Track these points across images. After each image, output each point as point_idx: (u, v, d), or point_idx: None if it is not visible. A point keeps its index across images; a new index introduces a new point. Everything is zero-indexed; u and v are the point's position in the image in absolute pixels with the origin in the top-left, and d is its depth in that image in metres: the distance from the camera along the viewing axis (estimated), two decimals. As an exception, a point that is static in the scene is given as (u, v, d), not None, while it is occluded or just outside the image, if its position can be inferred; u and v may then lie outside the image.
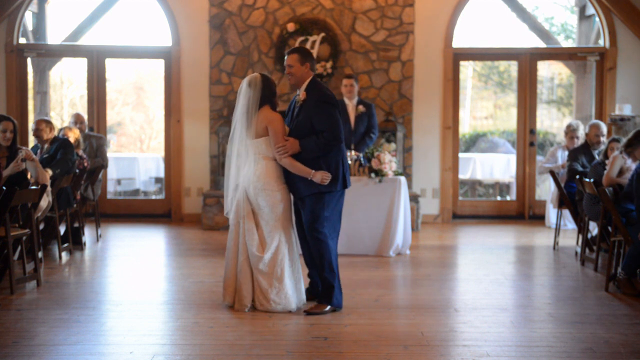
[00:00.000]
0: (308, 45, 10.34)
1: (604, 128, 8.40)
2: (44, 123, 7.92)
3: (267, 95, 5.43)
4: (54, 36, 11.95)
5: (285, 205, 5.47)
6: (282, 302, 5.38)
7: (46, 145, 7.87)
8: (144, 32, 16.04)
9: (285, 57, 5.53)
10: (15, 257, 6.42)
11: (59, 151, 7.69)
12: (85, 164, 8.45)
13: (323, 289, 5.49)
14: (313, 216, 5.43)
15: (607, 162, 7.15)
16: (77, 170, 8.10)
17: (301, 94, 5.50)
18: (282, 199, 5.44)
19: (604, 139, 8.33)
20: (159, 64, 13.28)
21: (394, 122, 10.14)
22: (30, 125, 11.01)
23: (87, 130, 9.46)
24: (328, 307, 5.43)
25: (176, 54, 10.65)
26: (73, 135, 8.29)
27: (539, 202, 11.01)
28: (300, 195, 5.44)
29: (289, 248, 5.48)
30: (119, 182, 12.73)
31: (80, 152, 8.43)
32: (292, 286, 5.44)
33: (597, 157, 8.03)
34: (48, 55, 11.12)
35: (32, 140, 10.78)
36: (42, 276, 6.58)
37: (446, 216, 10.75)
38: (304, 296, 5.59)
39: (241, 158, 5.50)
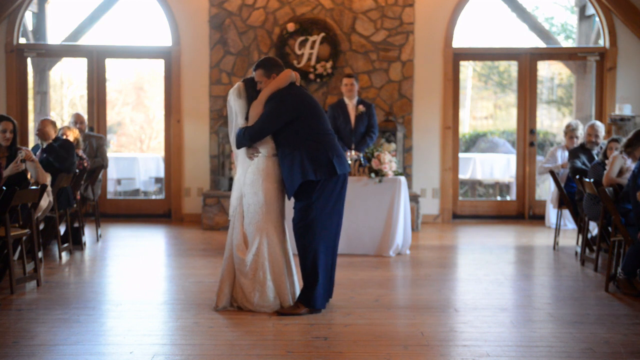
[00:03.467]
0: (308, 45, 10.34)
1: (601, 128, 8.42)
2: (50, 124, 7.92)
3: (252, 99, 5.49)
4: (54, 36, 11.96)
5: (271, 205, 5.37)
6: (264, 304, 5.35)
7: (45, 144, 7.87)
8: (144, 32, 16.03)
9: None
10: (15, 257, 6.42)
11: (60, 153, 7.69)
12: (85, 164, 8.44)
13: (302, 289, 5.40)
14: (300, 213, 5.36)
15: (607, 162, 7.15)
16: (77, 170, 8.10)
17: None
18: (268, 198, 5.36)
19: (600, 139, 8.35)
20: (159, 64, 13.30)
21: (394, 122, 10.14)
22: (31, 125, 11.02)
23: (87, 130, 9.46)
24: (304, 310, 5.32)
25: (176, 54, 10.65)
26: (72, 135, 8.28)
27: (539, 202, 11.01)
28: (288, 193, 5.37)
29: (273, 251, 5.37)
30: (119, 182, 12.73)
31: (80, 153, 8.42)
32: (273, 289, 5.37)
33: (596, 157, 8.04)
34: (48, 55, 11.12)
35: (32, 141, 10.79)
36: (42, 276, 6.58)
37: (446, 216, 10.75)
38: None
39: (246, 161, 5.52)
